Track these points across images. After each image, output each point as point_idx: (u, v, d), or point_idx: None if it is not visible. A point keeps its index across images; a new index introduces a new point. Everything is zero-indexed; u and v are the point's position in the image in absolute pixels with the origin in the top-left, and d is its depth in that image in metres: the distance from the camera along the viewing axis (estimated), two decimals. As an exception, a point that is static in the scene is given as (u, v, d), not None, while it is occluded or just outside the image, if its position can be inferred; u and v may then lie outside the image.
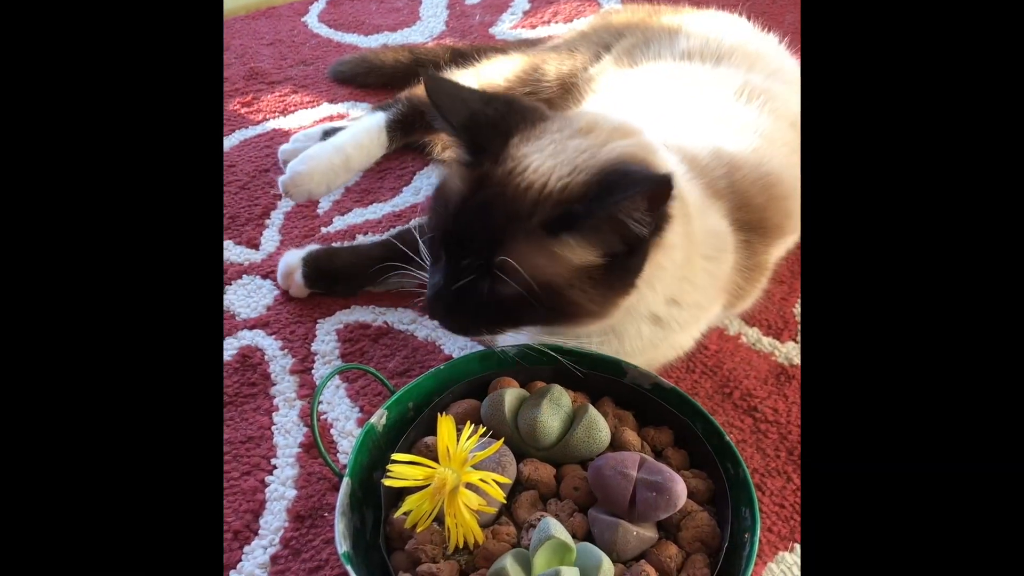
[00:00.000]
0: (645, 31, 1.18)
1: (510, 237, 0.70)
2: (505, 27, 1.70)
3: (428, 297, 0.75)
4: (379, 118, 1.24)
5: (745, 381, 0.98)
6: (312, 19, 1.71)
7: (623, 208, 0.68)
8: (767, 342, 1.03)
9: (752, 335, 1.04)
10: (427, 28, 1.69)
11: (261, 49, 1.61)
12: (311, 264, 1.05)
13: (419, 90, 1.26)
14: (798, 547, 0.82)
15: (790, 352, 1.02)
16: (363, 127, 1.23)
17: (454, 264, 0.72)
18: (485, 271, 0.70)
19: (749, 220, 0.89)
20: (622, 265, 0.72)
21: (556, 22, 1.70)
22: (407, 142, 1.29)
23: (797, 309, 1.07)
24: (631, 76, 1.10)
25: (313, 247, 1.08)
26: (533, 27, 1.69)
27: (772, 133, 0.96)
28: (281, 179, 1.16)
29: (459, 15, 1.74)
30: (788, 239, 0.97)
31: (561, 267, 0.70)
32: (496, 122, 0.77)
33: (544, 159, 0.73)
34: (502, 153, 0.75)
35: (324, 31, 1.67)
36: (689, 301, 0.84)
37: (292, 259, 1.05)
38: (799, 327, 1.05)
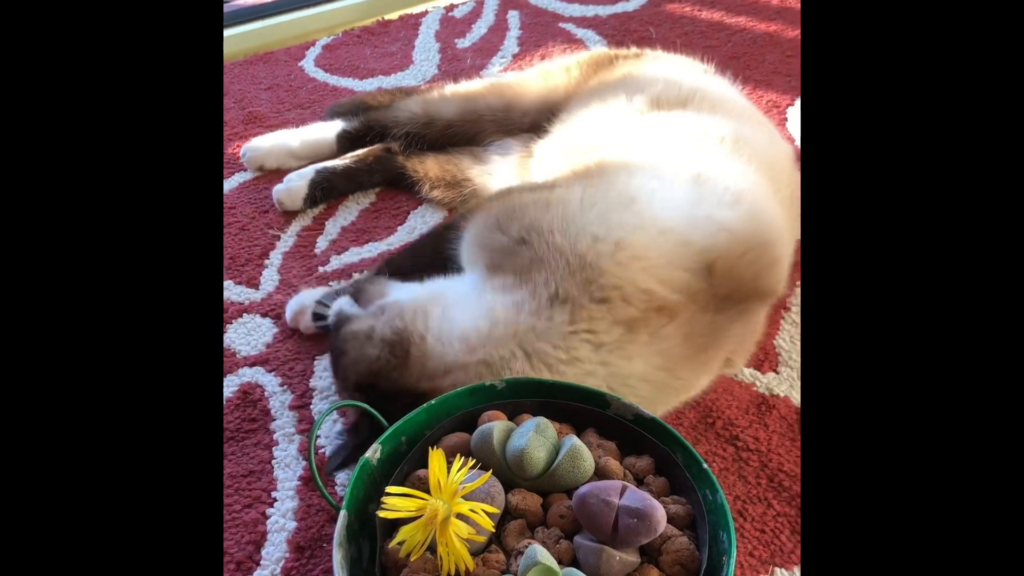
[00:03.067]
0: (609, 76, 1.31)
1: None
2: (495, 70, 1.75)
3: None
4: (336, 126, 1.45)
5: (727, 411, 1.01)
6: (308, 64, 1.77)
7: None
8: (748, 373, 1.07)
9: (734, 366, 1.08)
10: (420, 72, 1.75)
11: (259, 93, 1.66)
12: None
13: (377, 110, 1.47)
14: (778, 571, 0.85)
15: (771, 382, 1.05)
16: (320, 130, 1.45)
17: None
18: None
19: (732, 291, 0.93)
20: None
21: (544, 64, 1.76)
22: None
23: (778, 341, 1.11)
24: (605, 127, 1.17)
25: (323, 289, 1.16)
26: (522, 70, 1.75)
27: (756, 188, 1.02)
28: (243, 148, 1.43)
29: (451, 58, 1.79)
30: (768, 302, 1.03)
31: None
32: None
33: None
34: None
35: (320, 75, 1.73)
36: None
37: (306, 299, 1.12)
38: (779, 358, 1.09)
